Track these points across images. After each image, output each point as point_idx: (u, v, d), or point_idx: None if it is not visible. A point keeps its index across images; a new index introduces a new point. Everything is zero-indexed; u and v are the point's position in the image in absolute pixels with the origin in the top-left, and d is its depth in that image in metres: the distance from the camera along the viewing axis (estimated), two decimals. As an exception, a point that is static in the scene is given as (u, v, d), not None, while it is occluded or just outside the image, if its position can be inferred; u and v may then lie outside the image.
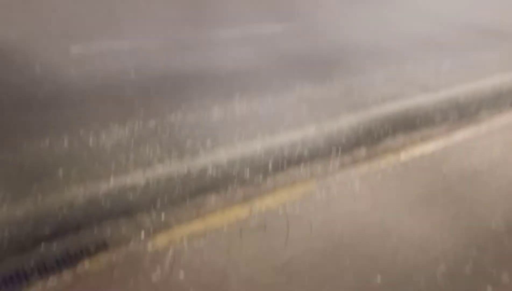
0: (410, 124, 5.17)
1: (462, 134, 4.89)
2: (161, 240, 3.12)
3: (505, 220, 3.50)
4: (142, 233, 3.28)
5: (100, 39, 6.88)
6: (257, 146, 4.42)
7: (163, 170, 3.92)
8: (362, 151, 4.60)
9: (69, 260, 2.97)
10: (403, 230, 3.30)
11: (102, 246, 3.11)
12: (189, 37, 7.60)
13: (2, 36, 6.90)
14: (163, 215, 3.47)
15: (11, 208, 3.30)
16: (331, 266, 2.93)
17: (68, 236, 3.18)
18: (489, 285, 2.86)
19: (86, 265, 2.87)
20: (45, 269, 2.87)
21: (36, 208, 3.32)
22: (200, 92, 5.45)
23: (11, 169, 3.72)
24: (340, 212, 3.47)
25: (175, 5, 10.17)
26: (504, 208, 3.64)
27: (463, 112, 5.63)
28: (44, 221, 3.22)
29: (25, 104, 4.75)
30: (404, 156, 4.36)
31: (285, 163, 4.23)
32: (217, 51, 6.95)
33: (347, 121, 5.04)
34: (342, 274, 2.87)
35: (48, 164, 3.82)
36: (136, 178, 3.78)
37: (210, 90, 5.55)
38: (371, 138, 4.81)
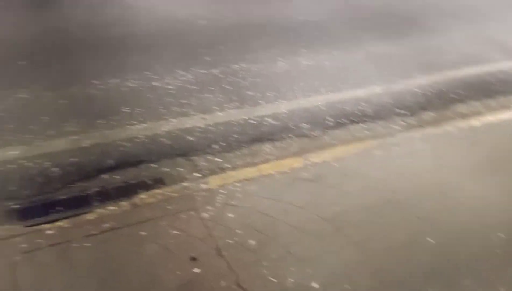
0: (486, 90, 4.79)
1: (545, 104, 4.46)
2: (214, 181, 3.19)
3: None
4: (197, 173, 3.37)
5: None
6: (319, 101, 4.32)
7: (222, 116, 3.96)
8: (430, 115, 4.35)
9: (127, 191, 3.12)
10: (462, 193, 3.12)
11: (159, 182, 3.24)
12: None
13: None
14: (218, 159, 3.54)
15: (79, 138, 3.50)
16: (381, 223, 2.85)
17: (128, 169, 3.33)
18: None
19: (143, 197, 3.01)
20: (105, 197, 3.05)
21: (102, 140, 3.50)
22: (266, 43, 5.37)
23: (82, 103, 3.93)
24: (397, 170, 3.34)
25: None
26: None
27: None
28: (108, 153, 3.40)
29: (98, 44, 4.94)
30: (475, 121, 4.07)
31: (346, 120, 4.12)
32: (288, 1, 6.77)
33: (416, 83, 4.77)
34: (392, 231, 2.79)
35: (115, 101, 3.99)
36: (196, 121, 3.86)
37: (277, 41, 5.45)
38: (441, 102, 4.53)
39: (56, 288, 2.32)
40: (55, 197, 2.95)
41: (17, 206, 2.83)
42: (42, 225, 2.66)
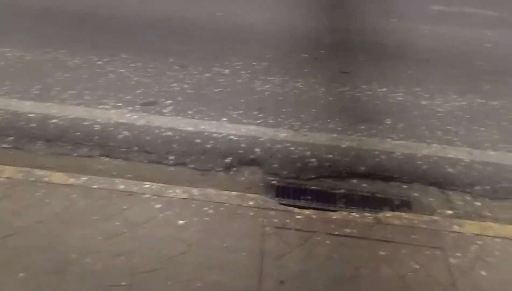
0: None
1: None
2: (470, 227, 2.81)
3: None
4: (450, 211, 3.04)
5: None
6: None
7: (494, 156, 3.49)
8: None
9: (372, 203, 3.04)
10: None
11: (406, 205, 3.04)
12: None
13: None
14: (478, 202, 3.12)
15: (339, 137, 3.58)
16: None
17: (377, 182, 3.23)
18: None
19: (387, 215, 2.88)
20: (350, 202, 3.03)
21: (359, 145, 3.50)
22: None
23: (348, 105, 4.01)
24: None
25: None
26: None
27: None
28: (362, 159, 3.37)
29: (373, 49, 4.97)
30: None
31: None
32: None
33: None
34: None
35: (379, 111, 3.94)
36: (460, 153, 3.50)
37: None
38: None
39: (291, 269, 2.40)
40: (307, 186, 3.08)
41: (275, 183, 3.07)
42: (293, 208, 2.81)
